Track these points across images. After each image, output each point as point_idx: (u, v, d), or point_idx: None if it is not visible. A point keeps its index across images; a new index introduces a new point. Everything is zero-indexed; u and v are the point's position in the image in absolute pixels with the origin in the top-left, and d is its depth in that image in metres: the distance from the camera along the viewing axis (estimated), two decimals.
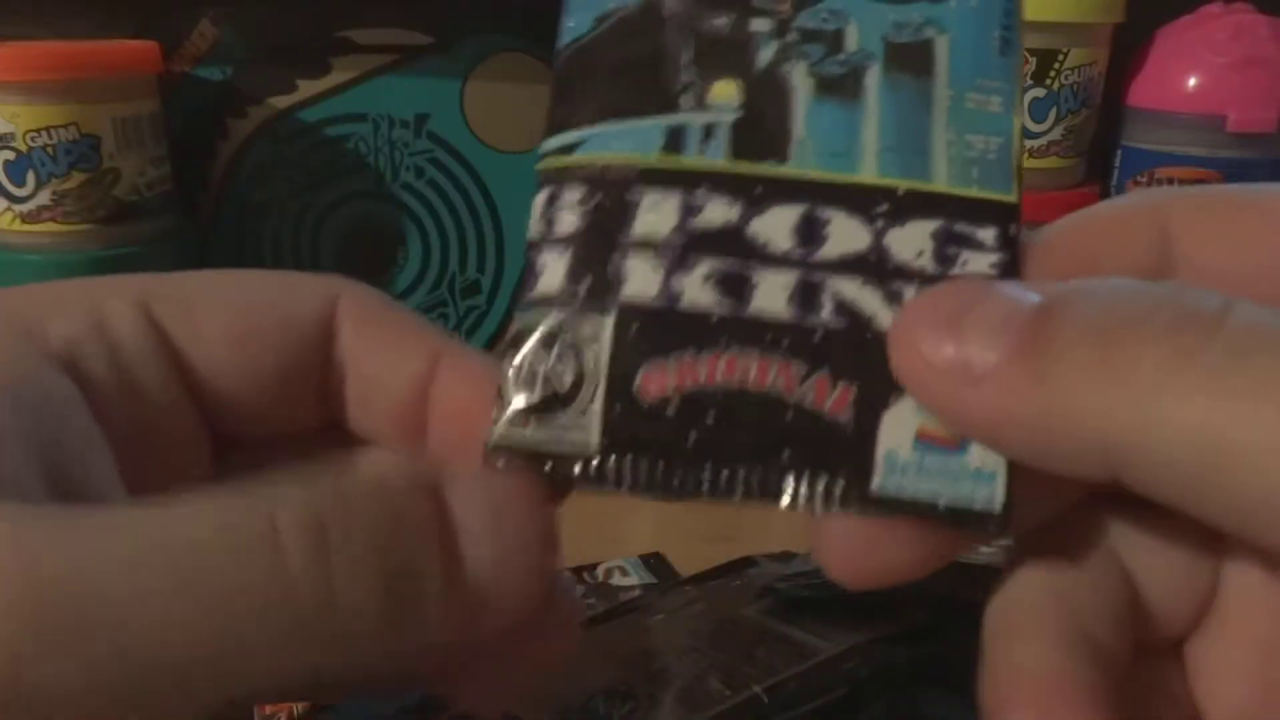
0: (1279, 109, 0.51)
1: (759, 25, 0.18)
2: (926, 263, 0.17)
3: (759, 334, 0.17)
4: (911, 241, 0.17)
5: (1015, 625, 0.16)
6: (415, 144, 0.54)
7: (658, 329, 0.17)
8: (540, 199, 0.18)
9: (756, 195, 0.17)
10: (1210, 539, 0.17)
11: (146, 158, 0.49)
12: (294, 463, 0.17)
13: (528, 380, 0.17)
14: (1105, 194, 0.57)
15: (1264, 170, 0.52)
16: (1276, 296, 0.16)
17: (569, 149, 0.18)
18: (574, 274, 0.17)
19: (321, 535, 0.14)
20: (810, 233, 0.17)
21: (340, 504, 0.14)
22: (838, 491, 0.16)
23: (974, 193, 0.17)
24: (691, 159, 0.18)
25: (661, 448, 0.17)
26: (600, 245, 0.17)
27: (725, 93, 0.18)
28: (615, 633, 0.31)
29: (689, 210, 0.17)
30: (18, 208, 0.47)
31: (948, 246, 0.17)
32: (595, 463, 0.17)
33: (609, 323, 0.17)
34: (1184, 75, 0.52)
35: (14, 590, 0.12)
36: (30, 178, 0.46)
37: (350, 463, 0.18)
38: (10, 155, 0.46)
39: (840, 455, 0.16)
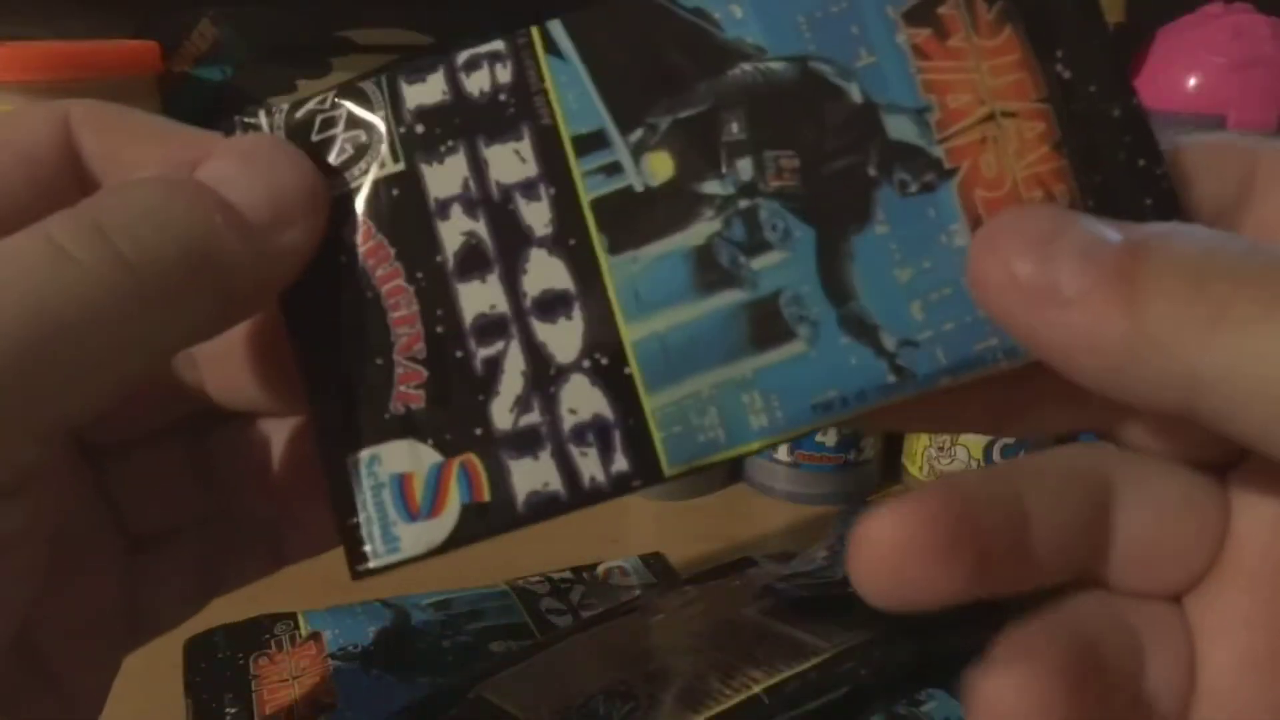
0: (1279, 109, 0.51)
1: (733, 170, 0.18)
2: None
3: None
4: None
5: None
6: None
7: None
8: None
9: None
10: (1217, 492, 0.17)
11: None
12: None
13: None
14: None
15: None
16: None
17: None
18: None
19: (98, 227, 0.15)
20: None
21: (113, 201, 0.16)
22: None
23: None
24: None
25: None
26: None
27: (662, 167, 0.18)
28: (615, 633, 0.31)
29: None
30: None
31: None
32: None
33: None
34: (1184, 75, 0.52)
35: None
36: None
37: None
38: None
39: None
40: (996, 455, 0.45)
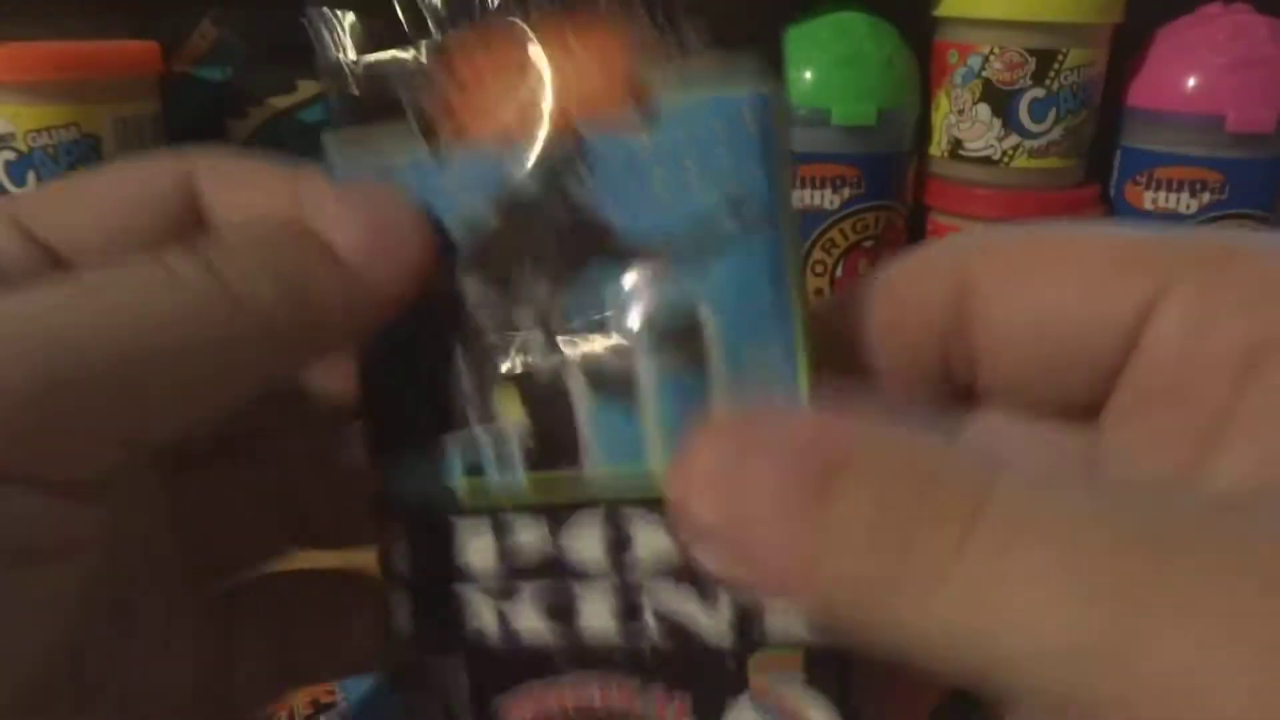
0: (1278, 109, 0.51)
1: (524, 321, 0.17)
2: None
3: (593, 656, 0.17)
4: None
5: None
6: None
7: (505, 665, 0.17)
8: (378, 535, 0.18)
9: (561, 513, 0.17)
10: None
11: None
12: None
13: None
14: (1105, 194, 0.57)
15: (1264, 170, 0.52)
16: (1060, 344, 0.16)
17: (388, 480, 0.18)
18: (420, 617, 0.18)
19: (204, 255, 0.16)
20: (618, 543, 0.17)
21: (216, 236, 0.17)
22: None
23: None
24: (494, 484, 0.17)
25: None
26: (436, 583, 0.18)
27: (507, 405, 0.17)
28: None
29: (504, 536, 0.17)
30: None
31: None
32: None
33: (459, 665, 0.18)
34: (1183, 75, 0.52)
35: None
36: (31, 178, 0.46)
37: None
38: (11, 156, 0.46)
39: None
40: None
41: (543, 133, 0.17)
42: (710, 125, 0.16)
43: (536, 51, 0.17)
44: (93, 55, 0.46)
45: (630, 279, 0.17)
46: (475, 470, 0.17)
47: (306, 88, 0.53)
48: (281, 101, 0.53)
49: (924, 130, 0.57)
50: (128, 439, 0.16)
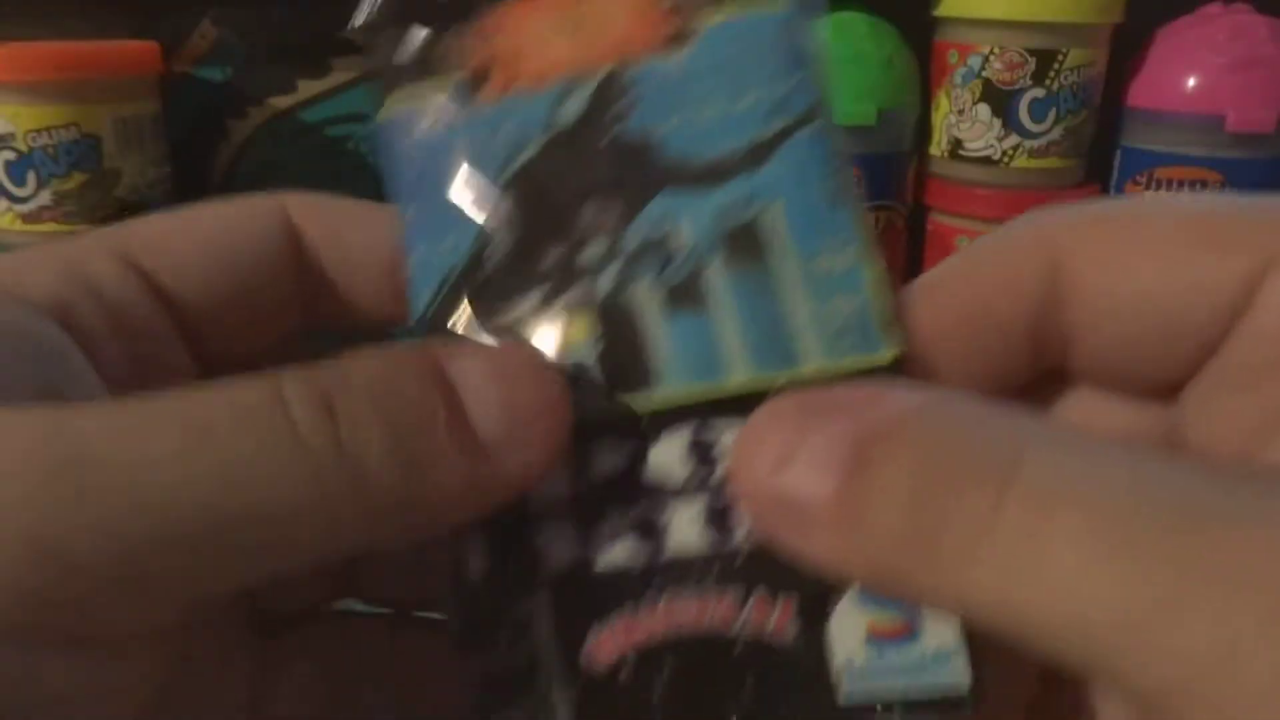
0: (1278, 109, 0.51)
1: (591, 252, 0.17)
2: None
3: (685, 573, 0.17)
4: None
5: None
6: None
7: (593, 597, 0.17)
8: None
9: (641, 432, 0.17)
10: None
11: (147, 158, 0.49)
12: None
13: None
14: (1105, 194, 0.57)
15: (1264, 170, 0.52)
16: (1157, 321, 0.16)
17: None
18: (496, 557, 0.17)
19: (327, 402, 0.14)
20: (702, 456, 0.17)
21: (343, 375, 0.15)
22: (808, 716, 0.16)
23: (847, 364, 0.16)
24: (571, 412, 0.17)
25: (627, 713, 0.17)
26: (514, 522, 0.17)
27: (579, 333, 0.17)
28: None
29: (582, 464, 0.17)
30: (18, 208, 0.47)
31: None
32: None
33: (542, 600, 0.17)
34: (1183, 75, 0.52)
35: (33, 450, 0.13)
36: (31, 178, 0.46)
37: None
38: (11, 155, 0.46)
39: (799, 678, 0.16)
40: None
41: (587, 68, 0.18)
42: (748, 39, 0.17)
43: None
44: (93, 55, 0.46)
45: (689, 194, 0.17)
46: None
47: (307, 88, 0.53)
48: (281, 101, 0.53)
49: (924, 130, 0.57)
50: (193, 600, 0.14)
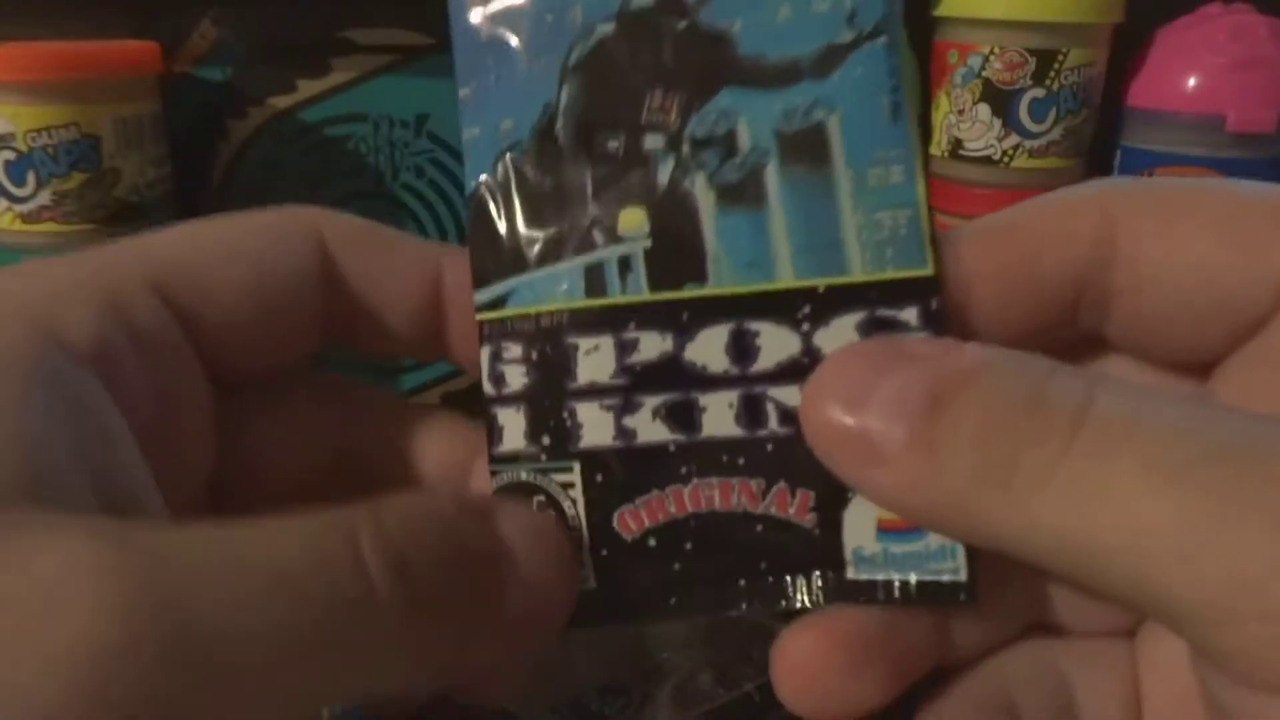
0: (1279, 109, 0.51)
1: (651, 142, 0.18)
2: None
3: (715, 457, 0.18)
4: (839, 338, 0.17)
5: None
6: (415, 144, 0.54)
7: (622, 471, 0.18)
8: (485, 355, 0.18)
9: (685, 321, 0.18)
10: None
11: (147, 158, 0.49)
12: (287, 404, 0.20)
13: None
14: None
15: (1264, 170, 0.52)
16: (1207, 292, 0.16)
17: (499, 302, 0.18)
18: (533, 430, 0.18)
19: (402, 562, 0.15)
20: (743, 348, 0.17)
21: (415, 535, 0.15)
22: (816, 590, 0.17)
23: (890, 274, 0.17)
24: (615, 297, 0.18)
25: (651, 580, 0.18)
26: (550, 397, 0.18)
27: (633, 221, 0.18)
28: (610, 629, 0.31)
29: (624, 349, 0.18)
30: (18, 208, 0.47)
31: (874, 335, 0.17)
32: (593, 603, 0.18)
33: (576, 472, 0.18)
34: (1183, 75, 0.52)
35: (135, 599, 0.13)
36: (30, 178, 0.46)
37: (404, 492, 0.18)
38: (10, 155, 0.46)
39: (813, 558, 0.17)
40: None
41: None
42: None
43: None
44: (93, 55, 0.46)
45: (754, 93, 0.18)
46: (597, 285, 0.18)
47: (306, 88, 0.53)
48: (281, 101, 0.53)
49: (924, 130, 0.57)
50: None
